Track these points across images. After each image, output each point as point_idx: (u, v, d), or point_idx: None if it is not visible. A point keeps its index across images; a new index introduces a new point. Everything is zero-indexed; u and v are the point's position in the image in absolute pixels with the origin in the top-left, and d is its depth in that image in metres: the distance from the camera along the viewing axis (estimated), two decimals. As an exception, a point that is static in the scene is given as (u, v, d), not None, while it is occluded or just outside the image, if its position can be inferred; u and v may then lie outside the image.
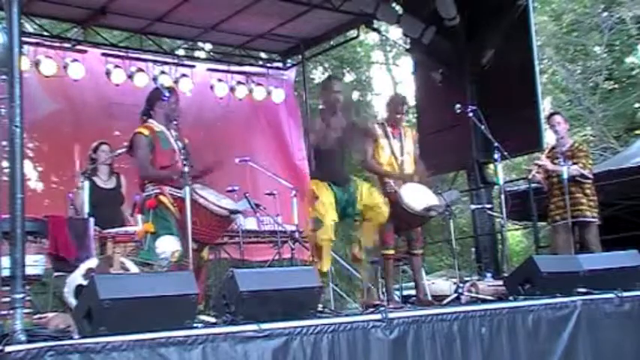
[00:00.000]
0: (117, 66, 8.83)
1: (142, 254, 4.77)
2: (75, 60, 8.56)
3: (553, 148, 6.93)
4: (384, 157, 5.81)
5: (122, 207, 6.51)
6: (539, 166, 6.82)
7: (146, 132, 4.98)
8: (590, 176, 6.68)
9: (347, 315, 4.45)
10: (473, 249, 9.49)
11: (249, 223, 7.36)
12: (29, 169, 8.44)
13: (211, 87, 9.69)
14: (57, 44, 8.65)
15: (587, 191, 6.67)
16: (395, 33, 13.89)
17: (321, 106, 5.69)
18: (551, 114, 7.22)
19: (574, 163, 6.59)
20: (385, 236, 5.76)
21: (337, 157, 5.51)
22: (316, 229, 5.30)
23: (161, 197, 4.89)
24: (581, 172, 6.60)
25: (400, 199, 5.58)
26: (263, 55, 11.27)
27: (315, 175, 5.59)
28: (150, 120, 5.09)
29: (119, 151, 6.31)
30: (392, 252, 5.78)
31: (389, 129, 5.87)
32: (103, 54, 8.92)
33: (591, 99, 16.32)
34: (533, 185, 7.12)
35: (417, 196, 5.70)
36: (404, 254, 6.10)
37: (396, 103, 6.02)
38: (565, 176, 6.47)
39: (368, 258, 5.88)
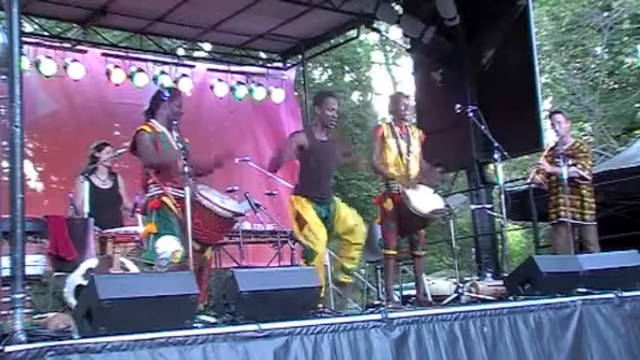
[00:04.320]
0: (117, 66, 8.83)
1: (146, 255, 4.76)
2: (75, 60, 8.56)
3: (553, 147, 6.92)
4: (390, 157, 5.76)
5: (121, 207, 6.50)
6: (539, 169, 6.81)
7: (148, 129, 4.99)
8: (589, 178, 6.63)
9: (347, 315, 4.45)
10: (473, 249, 9.49)
11: (249, 224, 7.36)
12: (29, 169, 8.44)
13: (211, 87, 9.69)
14: (57, 44, 8.65)
15: (584, 192, 6.63)
16: (395, 33, 13.89)
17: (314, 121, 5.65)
18: (552, 113, 7.20)
19: (573, 164, 6.56)
20: (387, 237, 5.75)
21: (321, 173, 5.46)
22: (309, 261, 5.22)
23: (164, 198, 4.89)
24: (580, 173, 6.56)
25: (407, 202, 5.56)
26: (263, 55, 11.27)
27: (297, 191, 5.48)
28: (152, 120, 5.10)
29: (120, 150, 6.34)
30: (393, 252, 5.76)
31: (396, 128, 5.85)
32: (103, 54, 8.92)
33: (591, 98, 16.32)
34: (533, 185, 7.11)
35: (423, 199, 5.68)
36: (407, 255, 6.09)
37: (397, 99, 6.02)
38: (565, 176, 6.46)
39: (352, 278, 5.77)
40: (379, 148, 5.78)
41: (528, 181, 7.14)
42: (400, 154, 5.78)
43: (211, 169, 5.24)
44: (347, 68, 18.69)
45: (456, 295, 5.79)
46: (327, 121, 5.51)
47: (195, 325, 3.61)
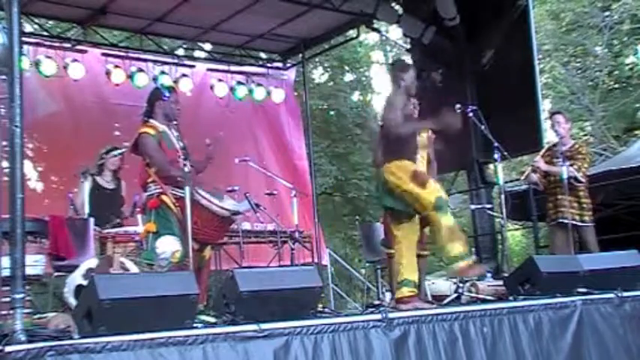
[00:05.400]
0: (117, 66, 8.83)
1: (145, 255, 4.76)
2: (75, 60, 8.55)
3: (552, 147, 6.91)
4: None
5: (122, 208, 6.52)
6: (534, 167, 6.80)
7: (152, 132, 4.99)
8: (583, 180, 6.58)
9: (347, 315, 4.45)
10: (473, 249, 9.48)
11: (249, 224, 7.37)
12: (29, 169, 8.45)
13: (211, 87, 9.69)
14: (57, 44, 8.64)
15: (580, 193, 6.61)
16: (395, 33, 13.89)
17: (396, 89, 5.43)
18: (553, 113, 7.20)
19: (570, 165, 6.56)
20: (390, 237, 5.74)
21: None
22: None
23: (163, 197, 4.90)
24: (574, 174, 6.55)
25: None
26: (263, 55, 11.26)
27: (397, 155, 5.23)
28: (151, 120, 5.10)
29: (120, 150, 6.36)
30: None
31: None
32: (103, 54, 8.92)
33: (591, 97, 16.32)
34: (531, 185, 7.11)
35: None
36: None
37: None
38: (565, 176, 6.46)
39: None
40: None
41: (522, 178, 7.14)
42: None
43: (205, 164, 5.23)
44: (347, 68, 18.66)
45: (456, 295, 5.79)
46: (413, 90, 5.38)
47: (195, 325, 3.61)
